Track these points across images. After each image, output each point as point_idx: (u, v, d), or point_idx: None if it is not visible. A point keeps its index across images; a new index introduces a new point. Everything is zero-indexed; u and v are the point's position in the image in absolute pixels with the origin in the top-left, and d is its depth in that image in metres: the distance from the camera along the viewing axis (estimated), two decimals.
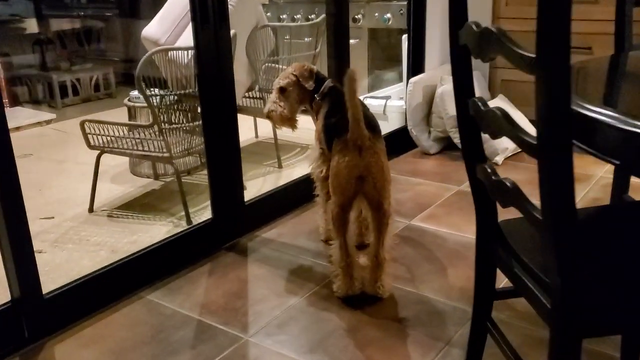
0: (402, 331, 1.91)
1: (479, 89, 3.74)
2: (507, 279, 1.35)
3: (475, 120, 1.36)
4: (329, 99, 2.29)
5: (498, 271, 1.42)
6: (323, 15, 3.58)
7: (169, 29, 3.16)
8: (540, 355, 1.76)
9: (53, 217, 3.04)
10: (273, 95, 2.34)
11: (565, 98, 0.92)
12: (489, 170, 1.23)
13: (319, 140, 2.35)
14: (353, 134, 1.96)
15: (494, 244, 1.41)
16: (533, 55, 0.94)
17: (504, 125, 1.09)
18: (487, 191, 1.26)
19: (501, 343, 1.41)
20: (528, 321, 1.93)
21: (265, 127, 4.08)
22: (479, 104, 1.20)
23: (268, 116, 2.36)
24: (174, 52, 2.84)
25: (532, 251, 1.28)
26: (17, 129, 4.78)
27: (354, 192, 2.04)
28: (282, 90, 2.32)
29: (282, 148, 3.81)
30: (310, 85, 2.30)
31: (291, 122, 2.37)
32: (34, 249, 1.90)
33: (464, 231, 2.61)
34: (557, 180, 0.97)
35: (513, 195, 1.13)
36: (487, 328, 1.50)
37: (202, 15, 2.25)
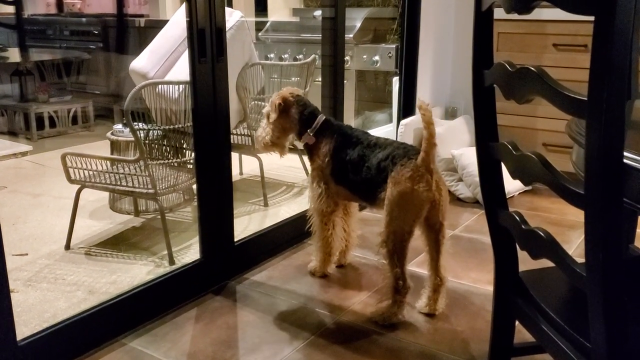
0: None
1: (470, 133, 3.71)
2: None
3: (499, 166, 1.29)
4: (330, 133, 2.27)
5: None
6: (313, 56, 3.55)
7: (159, 62, 3.08)
8: None
9: (27, 254, 2.87)
10: (262, 122, 2.39)
11: (619, 146, 0.86)
12: (517, 218, 1.16)
13: (319, 177, 2.31)
14: (426, 158, 1.98)
15: (514, 297, 1.33)
16: (584, 98, 0.87)
17: (541, 172, 1.02)
18: (516, 241, 1.18)
19: None
20: None
21: (250, 165, 3.98)
22: (510, 147, 1.13)
23: (257, 141, 2.40)
24: (164, 86, 2.75)
25: (560, 306, 1.21)
26: None
27: (422, 216, 2.04)
28: (268, 117, 2.34)
29: (267, 186, 3.71)
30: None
31: (275, 148, 2.37)
32: None
33: (460, 278, 2.52)
34: (607, 235, 0.89)
35: (547, 247, 1.05)
36: None
37: (200, 48, 2.18)
